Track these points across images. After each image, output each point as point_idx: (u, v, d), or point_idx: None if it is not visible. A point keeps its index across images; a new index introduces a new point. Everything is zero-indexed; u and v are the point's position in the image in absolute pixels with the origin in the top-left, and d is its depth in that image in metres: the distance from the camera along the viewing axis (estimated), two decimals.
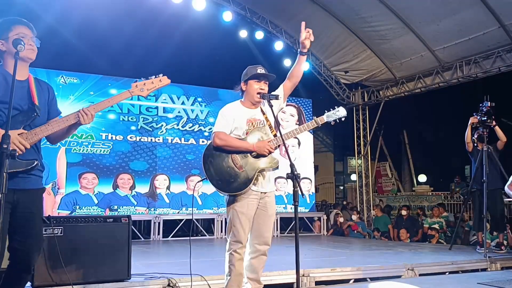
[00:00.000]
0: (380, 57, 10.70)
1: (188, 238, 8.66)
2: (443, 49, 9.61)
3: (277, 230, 9.64)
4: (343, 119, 3.50)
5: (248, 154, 3.38)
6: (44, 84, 2.90)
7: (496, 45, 8.92)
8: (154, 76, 3.04)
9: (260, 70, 3.47)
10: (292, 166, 3.10)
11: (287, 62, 11.13)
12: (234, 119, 3.41)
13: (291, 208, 10.19)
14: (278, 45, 10.92)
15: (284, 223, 10.31)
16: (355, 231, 10.39)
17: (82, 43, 9.49)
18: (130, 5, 9.23)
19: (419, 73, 10.48)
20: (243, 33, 10.56)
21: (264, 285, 3.90)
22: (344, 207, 12.66)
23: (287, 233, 10.06)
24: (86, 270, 3.73)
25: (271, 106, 3.40)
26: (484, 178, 5.83)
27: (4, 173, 2.00)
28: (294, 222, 3.08)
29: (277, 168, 3.58)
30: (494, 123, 6.08)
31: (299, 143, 10.56)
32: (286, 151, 3.20)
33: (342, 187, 17.71)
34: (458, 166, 13.44)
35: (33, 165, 2.57)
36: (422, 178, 15.15)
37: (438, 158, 13.94)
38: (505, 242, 7.11)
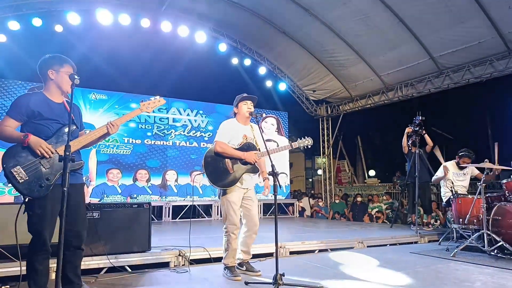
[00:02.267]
0: (340, 80, 10.93)
1: (189, 220, 8.84)
2: (387, 74, 9.89)
3: (260, 213, 9.79)
4: (309, 146, 3.69)
5: (238, 161, 3.54)
6: (74, 105, 2.92)
7: (427, 72, 9.22)
8: (153, 98, 3.20)
9: (246, 95, 3.67)
10: (273, 166, 3.31)
11: (268, 83, 11.30)
12: (232, 133, 3.58)
13: (271, 196, 10.39)
14: (262, 70, 11.07)
15: (266, 208, 10.48)
16: (320, 214, 10.64)
17: (109, 67, 9.52)
18: (146, 37, 9.30)
19: (369, 93, 10.74)
20: (235, 60, 10.62)
21: (252, 254, 4.12)
22: (312, 196, 12.87)
23: (268, 215, 10.22)
24: (117, 244, 3.84)
25: (257, 121, 3.60)
26: (416, 174, 6.09)
27: (67, 173, 2.12)
28: (274, 207, 3.30)
29: (255, 173, 3.75)
30: (424, 132, 6.32)
31: (277, 146, 10.75)
32: (269, 156, 3.41)
33: (311, 180, 17.89)
34: (399, 163, 13.78)
35: (82, 165, 2.71)
36: (372, 172, 15.40)
37: (384, 157, 14.24)
38: (433, 221, 7.45)
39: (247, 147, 3.58)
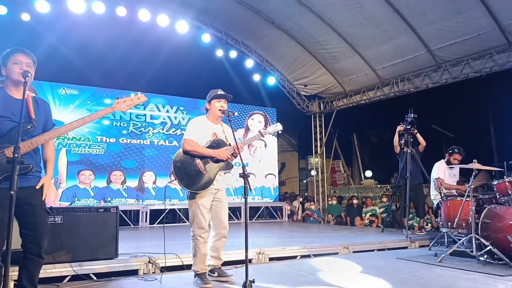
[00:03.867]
0: (333, 74, 11.08)
1: (167, 225, 8.92)
2: (382, 68, 10.06)
3: (246, 217, 9.88)
4: (280, 132, 3.81)
5: (209, 159, 3.64)
6: (42, 101, 2.93)
7: (424, 66, 9.42)
8: (133, 94, 3.21)
9: (220, 92, 3.76)
10: (243, 167, 3.41)
11: (256, 77, 11.40)
12: (201, 130, 3.67)
13: (258, 199, 10.53)
14: (249, 63, 11.16)
15: (253, 211, 10.60)
16: (311, 218, 10.79)
17: (81, 60, 9.53)
18: (122, 27, 9.31)
19: (364, 88, 10.92)
20: (219, 52, 10.66)
21: (226, 261, 4.22)
22: (305, 198, 13.01)
23: (255, 219, 10.34)
24: (81, 250, 3.89)
25: (230, 120, 3.70)
26: (407, 175, 6.24)
27: (15, 176, 2.17)
28: (245, 211, 3.40)
29: (230, 170, 3.85)
30: (416, 131, 6.46)
31: (265, 145, 10.86)
32: (240, 156, 3.52)
33: (305, 181, 18.05)
34: (397, 163, 13.96)
35: (29, 169, 2.66)
36: (368, 173, 15.59)
37: (381, 157, 14.42)
38: (426, 225, 7.63)
39: (216, 144, 3.66)
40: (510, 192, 4.84)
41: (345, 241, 5.58)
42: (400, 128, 6.54)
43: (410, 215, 7.90)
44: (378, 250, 5.52)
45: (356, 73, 10.63)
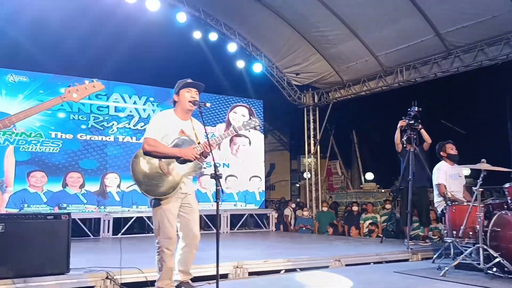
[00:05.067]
0: (328, 60, 11.14)
1: (139, 235, 8.90)
2: (385, 54, 10.16)
3: (226, 226, 9.95)
4: (257, 128, 3.84)
5: (174, 160, 3.64)
6: None
7: (432, 52, 9.53)
8: (88, 81, 3.20)
9: (190, 80, 3.77)
10: (215, 167, 3.43)
11: (240, 64, 11.40)
12: (166, 127, 3.66)
13: (241, 205, 10.57)
14: (232, 47, 11.10)
15: (235, 220, 10.63)
16: (304, 228, 10.87)
17: (33, 42, 9.40)
18: (83, 5, 9.22)
19: (364, 77, 11.02)
20: (197, 34, 10.54)
21: (198, 276, 4.24)
22: (298, 204, 13.06)
23: (237, 229, 10.38)
24: (27, 264, 3.85)
25: (201, 112, 3.72)
26: (410, 177, 6.33)
27: None
28: (216, 217, 3.43)
29: (201, 172, 3.87)
30: (420, 126, 6.55)
31: (250, 142, 10.89)
32: (211, 156, 3.54)
33: (297, 185, 18.15)
34: (400, 164, 14.12)
35: None
36: (370, 176, 15.74)
37: (384, 157, 14.53)
38: (432, 235, 7.75)
39: (182, 142, 3.66)
40: None
41: (338, 253, 5.65)
42: (402, 123, 6.62)
43: (416, 224, 8.02)
44: (374, 263, 5.60)
45: (355, 60, 10.71)
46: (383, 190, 13.07)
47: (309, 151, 12.79)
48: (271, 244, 7.24)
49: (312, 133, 12.67)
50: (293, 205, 12.47)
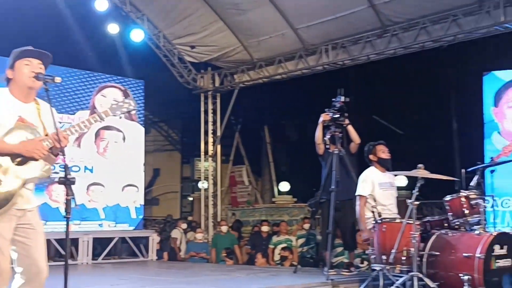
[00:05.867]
0: (234, 31, 11.23)
1: None
2: (307, 28, 10.46)
3: (87, 255, 9.59)
4: (132, 112, 3.75)
5: (9, 160, 3.40)
6: None
7: (365, 28, 10.02)
8: None
9: (30, 49, 3.56)
10: (66, 168, 3.28)
11: (112, 28, 11.07)
12: None
13: (110, 225, 10.26)
14: (100, 4, 10.68)
15: (101, 246, 10.28)
16: (197, 256, 10.83)
17: None
18: None
19: (280, 56, 11.25)
20: None
21: None
22: (190, 225, 12.98)
23: (102, 258, 10.04)
24: None
25: (47, 90, 3.52)
26: (333, 187, 6.51)
27: None
28: (65, 243, 3.26)
29: (48, 177, 3.67)
30: (347, 121, 6.77)
31: (124, 138, 10.59)
32: (62, 151, 3.37)
33: (190, 198, 18.06)
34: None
35: None
36: (284, 186, 16.06)
37: (304, 161, 14.92)
38: (358, 261, 8.11)
39: (21, 134, 3.46)
40: (466, 212, 5.36)
41: (233, 287, 5.70)
42: (325, 117, 6.76)
43: (340, 248, 8.34)
44: None
45: (268, 33, 10.91)
46: (301, 205, 13.40)
47: (206, 153, 12.80)
48: (149, 279, 7.12)
49: (211, 128, 12.71)
50: (184, 226, 12.36)
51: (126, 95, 10.85)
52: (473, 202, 5.33)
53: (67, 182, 3.22)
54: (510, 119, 9.14)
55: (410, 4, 9.28)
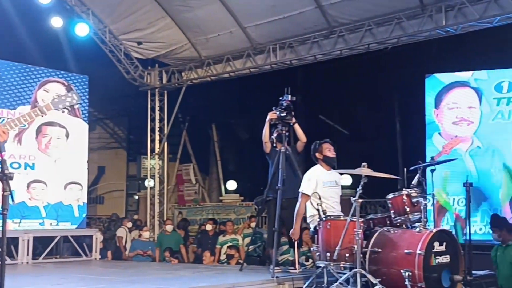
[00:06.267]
0: (182, 28, 11.19)
1: None
2: (255, 27, 10.53)
3: (27, 254, 9.35)
4: (76, 106, 3.69)
5: None
6: None
7: (312, 29, 10.16)
8: None
9: None
10: (3, 163, 3.21)
11: (56, 22, 10.82)
12: None
13: (51, 224, 10.02)
14: None
15: (42, 245, 10.04)
16: (144, 255, 10.71)
17: None
18: None
19: (228, 54, 11.29)
20: None
21: None
22: (135, 224, 12.82)
23: (43, 258, 9.81)
24: None
25: None
26: (279, 185, 6.55)
27: None
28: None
29: None
30: (294, 120, 6.82)
31: (67, 135, 10.37)
32: (1, 147, 3.29)
33: (136, 197, 17.86)
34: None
35: None
36: (232, 185, 16.10)
37: (252, 160, 14.98)
38: (306, 260, 8.19)
39: None
40: (408, 209, 5.47)
41: (182, 286, 5.67)
42: (272, 115, 6.79)
43: (286, 246, 8.38)
44: None
45: (217, 31, 10.94)
46: (248, 204, 13.45)
47: (153, 151, 12.71)
48: (92, 279, 7.01)
49: (157, 125, 12.64)
50: (129, 224, 12.23)
51: (69, 90, 10.62)
52: (414, 200, 5.43)
53: (3, 177, 3.20)
54: (450, 121, 9.40)
55: (356, 6, 9.46)
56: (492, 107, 9.10)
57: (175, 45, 11.57)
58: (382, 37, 9.64)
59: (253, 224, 10.85)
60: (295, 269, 7.03)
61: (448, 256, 5.21)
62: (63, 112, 3.78)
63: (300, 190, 6.21)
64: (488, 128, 9.10)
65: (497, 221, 6.87)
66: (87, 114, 10.92)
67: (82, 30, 11.07)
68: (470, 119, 9.28)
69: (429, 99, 9.56)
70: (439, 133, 9.47)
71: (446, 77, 9.56)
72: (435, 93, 9.52)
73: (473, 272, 6.25)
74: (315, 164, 6.39)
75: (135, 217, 14.63)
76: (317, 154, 6.31)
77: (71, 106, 3.71)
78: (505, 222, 6.88)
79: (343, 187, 6.79)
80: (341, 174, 6.50)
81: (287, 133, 6.80)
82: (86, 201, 10.80)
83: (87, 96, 10.93)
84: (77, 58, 11.54)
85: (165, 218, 12.42)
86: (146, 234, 11.22)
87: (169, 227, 11.25)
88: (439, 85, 9.53)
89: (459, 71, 9.64)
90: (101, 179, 17.44)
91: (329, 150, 6.24)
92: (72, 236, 10.35)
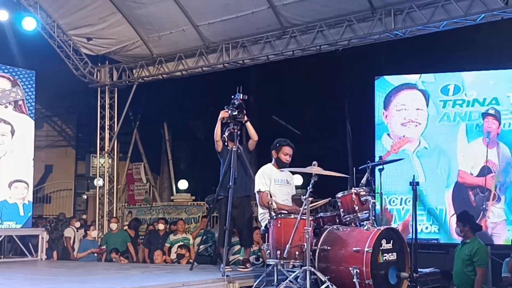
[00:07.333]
0: (134, 25, 11.09)
1: None
2: (208, 25, 10.53)
3: None
4: (20, 102, 3.61)
5: None
6: None
7: (265, 29, 10.24)
8: None
9: None
10: None
11: (1, 15, 10.53)
12: None
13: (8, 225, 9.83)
14: None
15: None
16: (96, 254, 10.62)
17: None
18: None
19: (181, 52, 11.27)
20: None
21: None
22: (84, 224, 12.64)
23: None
24: None
25: None
26: (230, 184, 6.57)
27: None
28: None
29: None
30: (245, 118, 6.83)
31: (12, 132, 10.10)
32: None
33: (85, 196, 17.64)
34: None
35: None
36: (183, 184, 16.06)
37: (204, 159, 14.98)
38: (256, 259, 8.24)
39: None
40: (356, 208, 5.58)
41: (129, 284, 5.65)
42: (223, 114, 6.80)
43: (237, 246, 8.41)
44: None
45: (169, 29, 10.89)
46: (199, 203, 13.43)
47: (102, 149, 12.57)
48: (38, 279, 6.90)
49: (107, 123, 12.52)
50: (77, 224, 12.02)
51: (15, 85, 10.36)
52: (363, 198, 5.53)
53: None
54: (398, 122, 9.62)
55: (308, 7, 9.59)
56: (439, 109, 9.35)
57: (126, 42, 11.46)
58: (334, 38, 9.79)
59: (203, 224, 10.82)
60: (246, 267, 7.07)
61: (395, 254, 5.32)
62: (6, 107, 3.67)
63: (256, 190, 6.22)
64: (434, 129, 9.35)
65: (464, 217, 7.01)
66: (33, 111, 10.62)
67: (29, 24, 10.85)
68: (417, 121, 9.51)
69: (379, 101, 9.74)
70: (388, 134, 9.67)
71: (395, 79, 9.78)
72: (384, 95, 9.71)
73: (419, 269, 6.41)
74: (268, 162, 6.44)
75: (84, 216, 14.45)
76: (273, 152, 6.35)
77: (15, 102, 3.63)
78: (471, 220, 7.03)
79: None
80: (292, 173, 6.55)
81: (238, 132, 6.82)
82: (31, 200, 10.59)
83: (34, 92, 10.66)
84: (24, 53, 11.33)
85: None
86: (93, 234, 11.09)
87: (113, 226, 11.15)
88: (388, 87, 9.73)
89: (408, 73, 9.89)
90: (49, 177, 17.14)
91: (285, 155, 6.25)
92: (16, 236, 10.16)
